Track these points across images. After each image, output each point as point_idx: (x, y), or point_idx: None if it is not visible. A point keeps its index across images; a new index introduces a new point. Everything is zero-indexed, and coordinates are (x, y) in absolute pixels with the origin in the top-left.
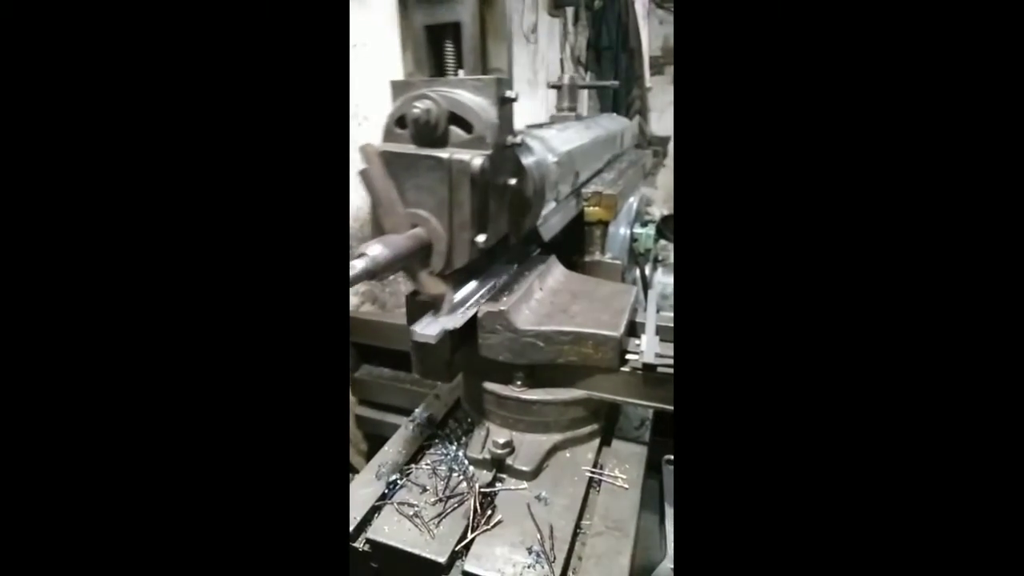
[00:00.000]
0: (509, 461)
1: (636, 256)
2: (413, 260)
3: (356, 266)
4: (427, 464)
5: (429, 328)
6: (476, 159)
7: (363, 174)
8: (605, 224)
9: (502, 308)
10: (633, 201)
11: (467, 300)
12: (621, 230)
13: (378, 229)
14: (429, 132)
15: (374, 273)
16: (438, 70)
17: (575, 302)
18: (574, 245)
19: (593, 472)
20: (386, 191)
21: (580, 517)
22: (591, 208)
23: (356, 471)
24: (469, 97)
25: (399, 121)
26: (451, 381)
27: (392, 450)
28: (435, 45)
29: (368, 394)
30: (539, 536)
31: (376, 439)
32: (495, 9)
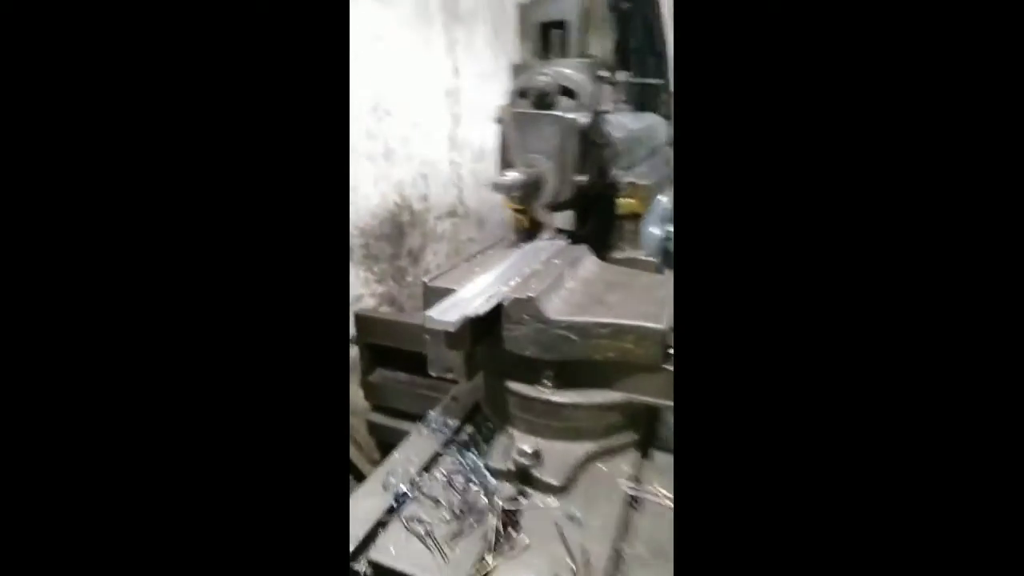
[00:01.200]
0: (535, 473)
1: (671, 256)
2: (532, 189)
3: (506, 179)
4: (442, 474)
5: (447, 314)
6: (583, 117)
7: (500, 124)
8: (637, 217)
9: (530, 295)
10: (666, 199)
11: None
12: (655, 230)
13: (506, 167)
14: (545, 100)
15: (512, 188)
16: (547, 55)
17: (611, 292)
18: (603, 240)
19: (633, 488)
20: (514, 139)
21: (619, 541)
22: (624, 200)
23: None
24: (574, 75)
25: (521, 93)
26: (470, 380)
27: (402, 458)
28: (546, 36)
29: (382, 399)
30: (571, 563)
31: (390, 448)
32: (595, 8)
